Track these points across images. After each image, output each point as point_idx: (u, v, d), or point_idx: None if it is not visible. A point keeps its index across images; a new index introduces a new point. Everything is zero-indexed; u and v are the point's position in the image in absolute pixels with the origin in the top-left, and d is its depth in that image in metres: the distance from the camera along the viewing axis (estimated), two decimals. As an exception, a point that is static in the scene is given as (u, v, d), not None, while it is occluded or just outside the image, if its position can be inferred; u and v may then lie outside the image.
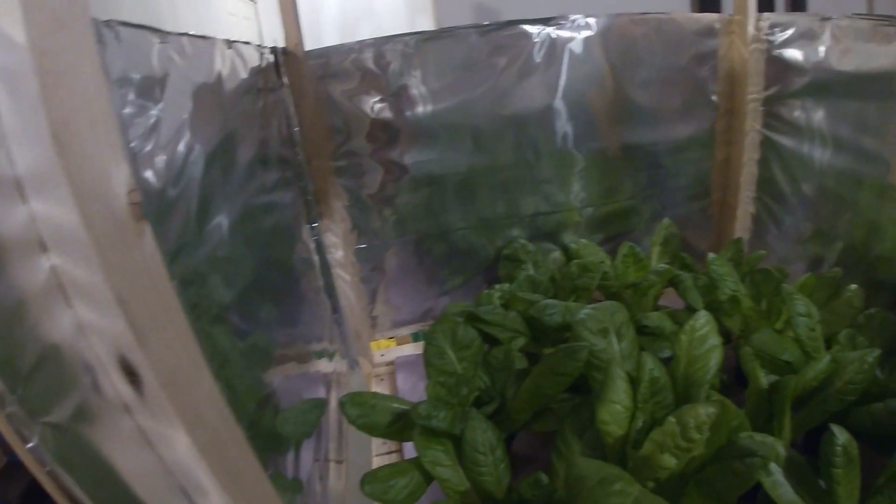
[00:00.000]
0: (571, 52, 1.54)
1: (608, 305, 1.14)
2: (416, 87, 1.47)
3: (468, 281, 1.73)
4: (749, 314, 1.30)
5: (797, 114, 1.54)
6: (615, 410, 0.94)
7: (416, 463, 1.03)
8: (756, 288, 1.34)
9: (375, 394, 1.18)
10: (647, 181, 1.76)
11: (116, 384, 0.44)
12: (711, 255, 1.37)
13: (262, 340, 0.94)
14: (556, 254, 1.70)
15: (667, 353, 1.20)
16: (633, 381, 0.97)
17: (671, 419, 0.86)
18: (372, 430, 1.10)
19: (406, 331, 1.74)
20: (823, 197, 1.51)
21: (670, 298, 1.52)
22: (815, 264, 1.55)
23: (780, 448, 0.90)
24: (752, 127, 1.68)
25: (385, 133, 1.50)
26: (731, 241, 1.61)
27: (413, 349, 1.68)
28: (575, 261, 1.55)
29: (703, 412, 0.84)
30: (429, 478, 1.02)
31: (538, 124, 1.60)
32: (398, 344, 1.73)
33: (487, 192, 1.65)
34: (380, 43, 1.42)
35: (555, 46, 1.52)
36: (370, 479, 1.02)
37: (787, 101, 1.57)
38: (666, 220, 1.70)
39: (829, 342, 1.18)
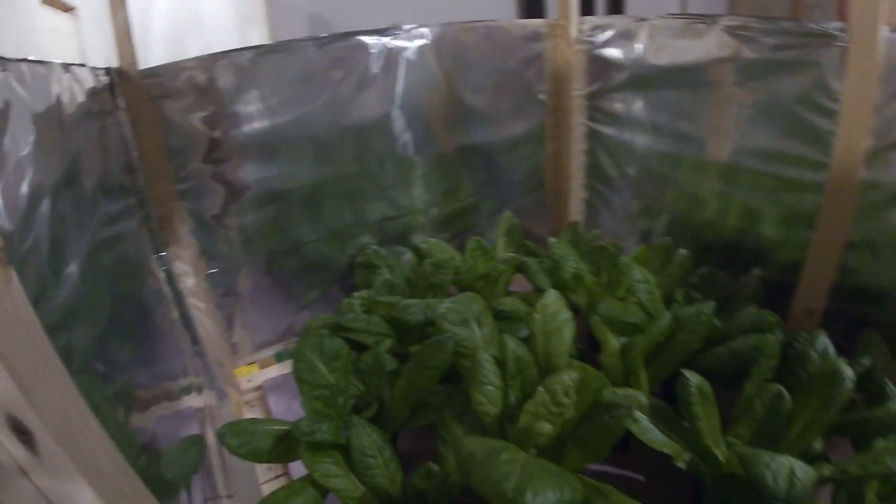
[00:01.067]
0: (407, 60, 1.59)
1: (465, 297, 1.20)
2: (254, 102, 1.43)
3: (325, 293, 1.73)
4: (592, 288, 1.42)
5: (618, 106, 1.72)
6: (488, 391, 1.01)
7: (309, 480, 1.03)
8: (595, 264, 1.47)
9: (254, 419, 1.14)
10: (486, 178, 1.87)
11: (9, 446, 0.41)
12: (552, 240, 1.50)
13: (126, 385, 0.88)
14: (408, 255, 1.74)
15: (524, 333, 1.29)
16: (500, 363, 1.04)
17: (541, 389, 0.95)
18: (256, 456, 1.07)
19: (269, 352, 1.69)
20: (647, 177, 1.71)
21: (520, 283, 1.63)
22: (646, 237, 1.76)
23: (642, 398, 1.02)
24: (578, 121, 1.85)
25: (224, 152, 1.44)
26: (569, 225, 1.77)
27: (278, 370, 1.64)
28: (427, 260, 1.61)
29: (568, 378, 0.93)
30: (324, 491, 1.02)
31: (378, 133, 1.63)
32: (261, 368, 1.67)
33: (334, 203, 1.66)
34: (215, 59, 1.36)
35: (391, 56, 1.56)
36: (267, 506, 1.00)
37: (609, 95, 1.74)
38: (507, 213, 1.83)
39: (668, 302, 1.34)
